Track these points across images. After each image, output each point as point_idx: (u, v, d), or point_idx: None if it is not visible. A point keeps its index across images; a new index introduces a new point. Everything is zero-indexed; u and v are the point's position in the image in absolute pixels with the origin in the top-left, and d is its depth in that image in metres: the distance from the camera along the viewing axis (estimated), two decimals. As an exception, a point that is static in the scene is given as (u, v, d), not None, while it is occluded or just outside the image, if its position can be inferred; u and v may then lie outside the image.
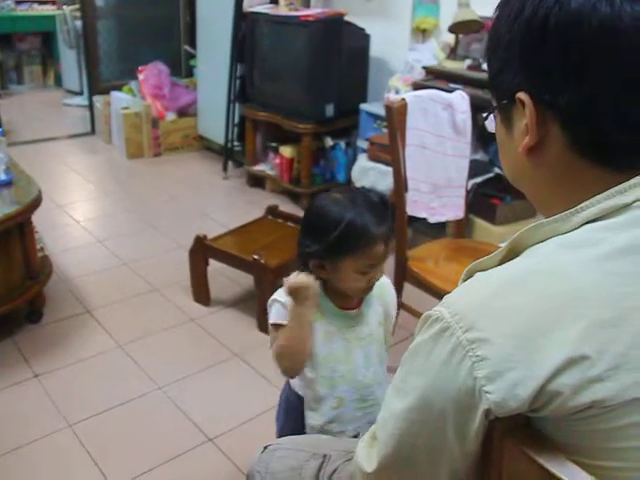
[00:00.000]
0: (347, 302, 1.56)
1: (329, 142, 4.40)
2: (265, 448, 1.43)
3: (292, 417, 1.61)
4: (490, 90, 0.89)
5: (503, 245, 0.84)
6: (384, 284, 1.62)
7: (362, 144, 4.18)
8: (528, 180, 0.87)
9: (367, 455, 0.96)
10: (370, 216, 1.44)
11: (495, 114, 0.90)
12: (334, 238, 1.42)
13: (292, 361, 1.50)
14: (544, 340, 0.72)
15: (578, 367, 0.70)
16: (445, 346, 0.77)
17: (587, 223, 0.77)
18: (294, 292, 1.47)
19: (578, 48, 0.74)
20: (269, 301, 1.56)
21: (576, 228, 0.77)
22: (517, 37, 0.79)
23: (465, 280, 0.85)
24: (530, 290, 0.75)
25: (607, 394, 0.70)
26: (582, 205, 0.77)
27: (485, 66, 3.09)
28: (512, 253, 0.82)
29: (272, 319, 1.53)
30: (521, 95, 0.79)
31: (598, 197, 0.76)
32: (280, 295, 1.54)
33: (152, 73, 5.42)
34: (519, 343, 0.72)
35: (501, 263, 0.82)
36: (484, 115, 0.93)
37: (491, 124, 0.93)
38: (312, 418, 1.55)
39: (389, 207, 1.53)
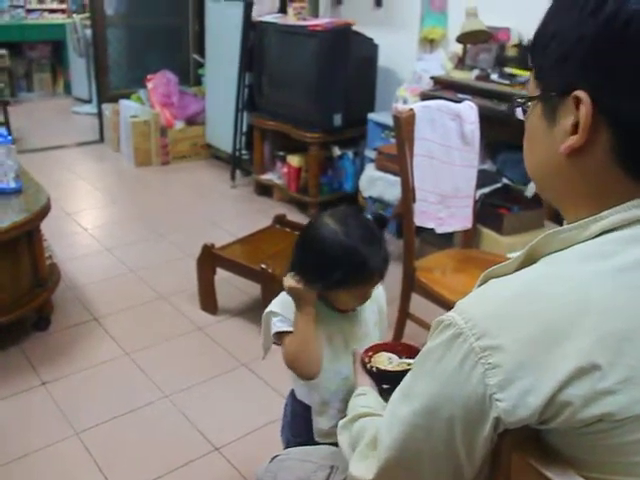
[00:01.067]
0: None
1: (337, 152, 4.41)
2: (273, 458, 1.43)
3: (298, 430, 1.59)
4: (537, 79, 0.84)
5: (514, 254, 0.84)
6: None
7: (370, 154, 4.18)
8: (558, 180, 0.84)
9: (366, 464, 0.96)
10: (368, 250, 1.42)
11: (533, 104, 0.85)
12: (330, 280, 1.42)
13: (308, 362, 1.48)
14: (557, 349, 0.71)
15: (589, 377, 0.70)
16: (457, 352, 0.77)
17: (605, 233, 0.76)
18: (294, 292, 1.46)
19: None
20: (264, 315, 1.55)
21: (593, 237, 0.77)
22: (591, 33, 0.74)
23: (480, 286, 0.84)
24: (544, 299, 0.74)
25: (617, 407, 0.70)
26: (602, 214, 0.76)
27: (494, 76, 3.06)
28: (529, 260, 0.82)
29: (274, 329, 1.52)
30: (580, 93, 0.75)
31: (618, 207, 0.76)
32: (275, 306, 1.54)
33: (161, 82, 5.45)
34: (532, 351, 0.72)
35: (517, 270, 0.82)
36: (518, 101, 0.89)
37: (519, 112, 0.89)
38: (320, 423, 1.55)
39: (385, 227, 1.53)
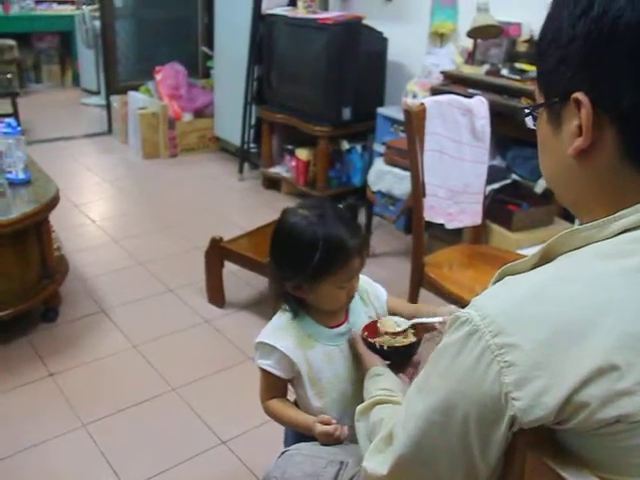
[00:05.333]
0: (334, 319, 1.51)
1: (345, 145, 4.40)
2: (282, 453, 1.42)
3: (302, 440, 1.51)
4: (539, 86, 0.86)
5: (524, 251, 0.83)
6: (360, 283, 1.55)
7: (378, 148, 4.17)
8: (571, 183, 0.84)
9: (380, 459, 0.95)
10: (343, 230, 1.39)
11: (540, 111, 0.86)
12: (313, 266, 1.37)
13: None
14: (574, 349, 0.71)
15: (606, 378, 0.69)
16: (473, 349, 0.76)
17: (624, 232, 0.75)
18: (325, 438, 1.41)
19: None
20: (255, 344, 1.51)
21: (612, 236, 0.76)
22: (581, 35, 0.75)
23: (495, 283, 0.84)
24: (562, 298, 0.73)
25: (635, 408, 0.69)
26: (620, 213, 0.76)
27: (504, 71, 3.05)
28: (545, 258, 0.81)
29: (258, 361, 1.50)
30: (579, 95, 0.76)
31: (637, 206, 0.75)
32: (264, 336, 1.49)
33: (169, 74, 5.44)
34: (549, 351, 0.71)
35: (534, 268, 0.81)
36: (525, 111, 0.90)
37: (530, 121, 0.90)
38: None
39: (357, 216, 1.50)
